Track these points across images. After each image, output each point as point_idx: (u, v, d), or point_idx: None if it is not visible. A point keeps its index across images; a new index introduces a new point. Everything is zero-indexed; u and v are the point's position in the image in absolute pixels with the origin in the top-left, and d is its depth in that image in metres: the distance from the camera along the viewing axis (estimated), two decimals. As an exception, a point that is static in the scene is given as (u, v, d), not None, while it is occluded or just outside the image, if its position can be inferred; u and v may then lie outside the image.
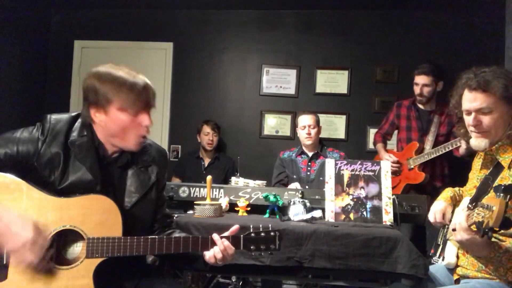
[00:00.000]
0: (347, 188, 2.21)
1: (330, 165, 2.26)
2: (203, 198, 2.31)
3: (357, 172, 2.23)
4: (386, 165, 2.25)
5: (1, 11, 3.90)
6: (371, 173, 2.22)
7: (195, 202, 2.18)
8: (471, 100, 1.60)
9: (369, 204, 2.17)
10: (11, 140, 1.41)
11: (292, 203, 2.20)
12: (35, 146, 1.41)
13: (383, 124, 3.59)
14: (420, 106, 3.37)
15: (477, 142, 1.62)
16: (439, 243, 1.81)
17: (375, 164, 2.24)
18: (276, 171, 3.28)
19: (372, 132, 3.88)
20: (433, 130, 3.25)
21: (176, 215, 2.05)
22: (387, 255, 1.81)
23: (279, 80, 4.41)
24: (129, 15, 4.59)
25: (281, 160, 3.29)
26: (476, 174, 1.74)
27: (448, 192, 1.87)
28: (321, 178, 2.93)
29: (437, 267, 1.80)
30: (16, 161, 1.39)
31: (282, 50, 4.44)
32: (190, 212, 2.26)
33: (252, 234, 1.49)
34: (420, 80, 3.26)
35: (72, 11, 4.65)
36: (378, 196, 2.18)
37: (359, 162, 2.25)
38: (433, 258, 1.80)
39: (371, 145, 4.01)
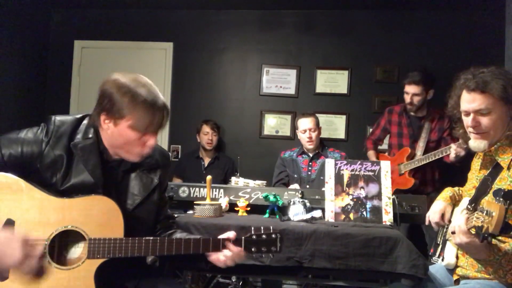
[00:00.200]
0: (347, 188, 2.21)
1: (330, 165, 2.26)
2: (203, 198, 2.31)
3: (357, 172, 2.23)
4: (386, 165, 2.25)
5: (1, 11, 3.90)
6: (371, 173, 2.22)
7: (195, 202, 2.19)
8: (469, 101, 1.59)
9: (369, 204, 2.17)
10: (15, 141, 1.41)
11: (292, 203, 2.20)
12: (39, 147, 1.41)
13: (374, 130, 3.58)
14: (411, 112, 3.35)
15: (476, 143, 1.62)
16: (438, 242, 1.81)
17: (375, 164, 2.25)
18: (277, 170, 3.29)
19: (372, 132, 3.88)
20: (424, 136, 3.25)
21: (176, 215, 2.06)
22: (387, 255, 1.81)
23: (279, 80, 4.41)
24: (129, 15, 4.59)
25: (282, 160, 3.30)
26: (476, 174, 1.74)
27: (447, 192, 1.87)
28: (321, 178, 2.93)
29: (437, 267, 1.80)
30: (20, 162, 1.40)
31: (282, 50, 4.44)
32: (190, 212, 2.26)
33: (254, 236, 1.48)
34: (410, 89, 3.23)
35: (72, 11, 4.65)
36: (378, 196, 2.18)
37: (359, 162, 2.26)
38: (433, 258, 1.80)
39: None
